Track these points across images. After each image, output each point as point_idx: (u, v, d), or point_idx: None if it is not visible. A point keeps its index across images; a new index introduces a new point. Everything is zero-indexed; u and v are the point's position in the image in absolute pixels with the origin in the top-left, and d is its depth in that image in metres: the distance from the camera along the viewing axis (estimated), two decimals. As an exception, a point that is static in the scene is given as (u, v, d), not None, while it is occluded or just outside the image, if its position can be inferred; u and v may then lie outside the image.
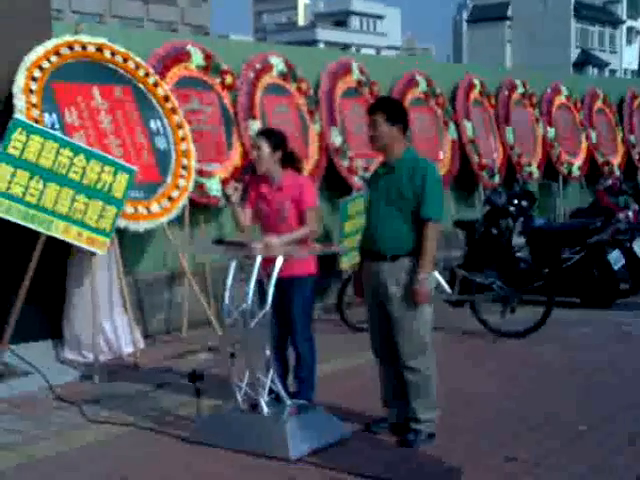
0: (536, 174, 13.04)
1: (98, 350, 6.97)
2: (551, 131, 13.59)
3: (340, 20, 78.76)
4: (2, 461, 5.07)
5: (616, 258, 9.63)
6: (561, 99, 14.08)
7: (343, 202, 9.49)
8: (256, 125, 9.07)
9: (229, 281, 5.35)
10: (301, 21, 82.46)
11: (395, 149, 5.25)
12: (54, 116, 7.21)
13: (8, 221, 6.63)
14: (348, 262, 9.23)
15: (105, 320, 7.26)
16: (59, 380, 6.72)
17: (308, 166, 9.32)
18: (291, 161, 5.75)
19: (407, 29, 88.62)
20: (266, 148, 5.62)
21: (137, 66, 7.96)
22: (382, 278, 5.20)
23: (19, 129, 6.63)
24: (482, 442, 5.35)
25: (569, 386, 6.61)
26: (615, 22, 68.31)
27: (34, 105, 7.02)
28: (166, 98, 8.14)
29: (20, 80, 7.02)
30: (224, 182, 8.61)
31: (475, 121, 12.22)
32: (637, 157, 15.24)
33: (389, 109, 5.28)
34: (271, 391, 5.30)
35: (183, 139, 8.14)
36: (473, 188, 12.12)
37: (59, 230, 6.79)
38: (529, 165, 12.92)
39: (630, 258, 9.79)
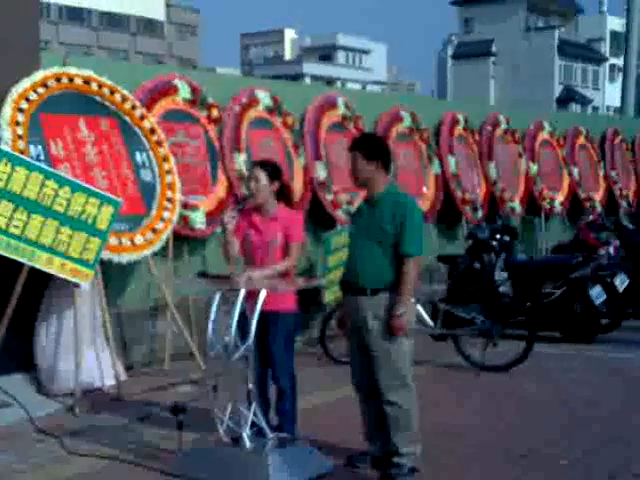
0: (518, 209, 13.14)
1: (80, 382, 6.94)
2: (534, 167, 13.71)
3: (326, 54, 79.39)
4: (-19, 494, 5.05)
5: (597, 293, 9.69)
6: (544, 135, 14.24)
7: (327, 236, 9.52)
8: (241, 159, 9.12)
9: (212, 314, 5.36)
10: (288, 55, 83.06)
11: (376, 185, 5.31)
12: (40, 148, 7.23)
13: (-9, 252, 6.62)
14: (332, 295, 9.24)
15: (87, 352, 7.23)
16: (39, 412, 6.68)
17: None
18: (284, 194, 5.79)
19: (392, 64, 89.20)
20: (264, 179, 5.65)
21: (124, 99, 8.01)
22: (362, 312, 5.23)
23: (4, 160, 6.63)
24: (465, 476, 5.37)
25: (551, 420, 6.63)
26: (598, 59, 69.10)
27: (20, 137, 7.04)
28: (152, 131, 8.18)
29: (7, 111, 7.05)
30: (209, 214, 8.65)
31: (459, 156, 12.33)
32: (618, 193, 15.39)
33: (367, 146, 5.35)
34: (253, 424, 5.30)
35: (168, 172, 8.17)
36: (456, 223, 12.20)
37: (42, 261, 6.78)
38: (512, 200, 13.02)
39: (611, 293, 9.85)
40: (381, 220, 5.22)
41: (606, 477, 5.36)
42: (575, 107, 61.65)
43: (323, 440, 5.82)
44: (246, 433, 5.22)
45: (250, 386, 5.27)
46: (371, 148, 5.34)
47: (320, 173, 10.11)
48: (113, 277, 7.87)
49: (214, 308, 5.37)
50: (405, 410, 5.24)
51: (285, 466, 5.14)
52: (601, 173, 15.24)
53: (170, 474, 5.31)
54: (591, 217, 12.34)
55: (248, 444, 5.21)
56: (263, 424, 5.32)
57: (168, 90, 8.70)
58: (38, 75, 7.39)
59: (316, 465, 5.35)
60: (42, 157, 7.19)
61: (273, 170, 5.72)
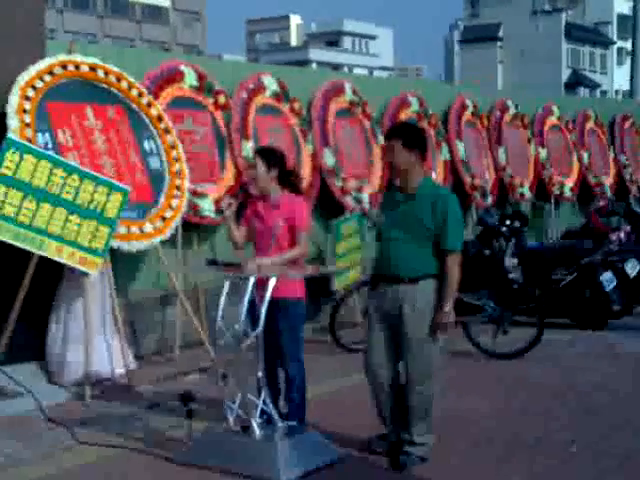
0: (528, 195, 13.09)
1: (89, 371, 6.94)
2: (543, 152, 13.64)
3: (332, 40, 79.17)
4: (-8, 483, 5.05)
5: (608, 279, 9.64)
6: (553, 120, 14.15)
7: (336, 223, 9.49)
8: (249, 145, 9.08)
9: (222, 302, 5.34)
10: (294, 41, 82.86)
11: (414, 175, 5.21)
12: (47, 136, 7.20)
13: (1, 241, 6.60)
14: (341, 283, 9.22)
15: (97, 341, 7.23)
16: (50, 401, 6.68)
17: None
18: (289, 180, 5.74)
19: (399, 49, 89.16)
20: (262, 166, 5.62)
21: (130, 86, 7.97)
22: (399, 300, 5.17)
23: (12, 149, 6.62)
24: (473, 462, 5.35)
25: (562, 406, 6.60)
26: (606, 43, 68.81)
27: (27, 125, 7.01)
28: (159, 118, 8.14)
29: (13, 100, 7.02)
30: (218, 201, 8.62)
31: (467, 142, 12.26)
32: (629, 178, 15.31)
33: (405, 135, 5.22)
34: (263, 412, 5.29)
35: (176, 159, 8.14)
36: (465, 209, 12.12)
37: (52, 250, 6.77)
38: (521, 186, 12.96)
39: (622, 279, 9.80)
40: (420, 214, 5.12)
41: (616, 463, 5.34)
42: (583, 91, 61.41)
43: (333, 428, 5.80)
44: (255, 421, 5.21)
45: (259, 374, 5.26)
46: (409, 136, 5.22)
47: (328, 160, 10.06)
48: (122, 266, 7.85)
49: (223, 296, 5.35)
50: (429, 401, 5.24)
51: (294, 454, 5.13)
52: (611, 158, 15.15)
53: (179, 462, 5.30)
54: (601, 202, 12.27)
55: (257, 432, 5.20)
56: (272, 412, 5.30)
57: (174, 77, 8.65)
58: (44, 63, 7.35)
59: (325, 454, 5.34)
60: (50, 145, 7.16)
61: (271, 157, 5.68)
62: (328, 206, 10.00)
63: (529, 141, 13.50)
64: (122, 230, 7.36)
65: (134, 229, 7.51)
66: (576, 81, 62.98)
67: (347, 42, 79.69)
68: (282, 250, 5.57)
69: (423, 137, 5.31)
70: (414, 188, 5.20)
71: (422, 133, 5.39)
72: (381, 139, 10.30)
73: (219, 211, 5.86)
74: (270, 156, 5.70)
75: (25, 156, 6.65)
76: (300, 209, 5.68)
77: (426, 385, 5.21)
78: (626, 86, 27.64)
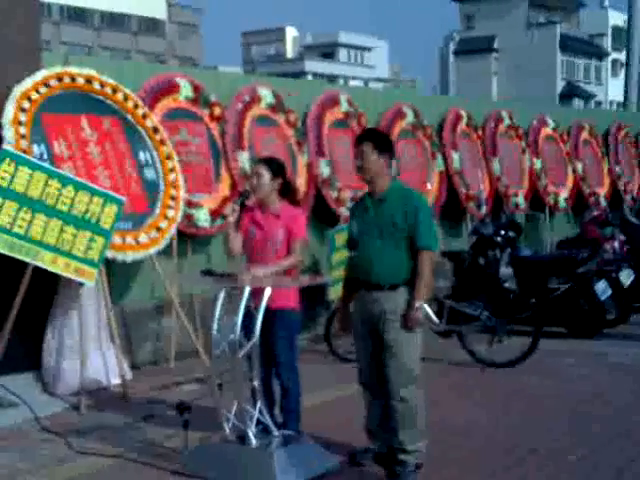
0: (523, 205, 13.12)
1: (85, 381, 6.94)
2: (538, 162, 13.68)
3: (328, 52, 79.35)
4: (-13, 494, 5.04)
5: (603, 289, 9.66)
6: (547, 131, 14.20)
7: (331, 233, 9.51)
8: (244, 156, 9.11)
9: (217, 312, 5.35)
10: (289, 53, 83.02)
11: (382, 179, 5.27)
12: (43, 147, 7.22)
13: (-4, 252, 6.61)
14: (336, 292, 9.22)
15: (92, 351, 7.23)
16: (45, 411, 6.68)
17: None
18: (288, 191, 5.76)
19: (394, 61, 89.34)
20: (266, 175, 5.64)
21: (126, 97, 8.00)
22: (379, 307, 5.17)
23: (7, 160, 6.64)
24: (470, 473, 5.34)
25: (557, 417, 6.60)
26: (600, 54, 69.02)
27: (23, 136, 7.03)
28: (155, 129, 8.17)
29: (9, 111, 7.05)
30: (213, 212, 8.64)
31: (462, 153, 12.30)
32: (623, 188, 15.35)
33: (377, 139, 5.31)
34: (259, 422, 5.29)
35: (172, 170, 8.16)
36: (460, 219, 12.17)
37: (47, 261, 6.78)
38: (516, 196, 13.00)
39: (616, 288, 9.82)
40: (392, 216, 5.15)
41: (613, 473, 5.34)
42: (578, 102, 61.56)
43: (327, 438, 5.80)
44: (251, 431, 5.22)
45: (255, 384, 5.26)
46: (380, 141, 5.31)
47: (323, 170, 10.09)
48: (118, 276, 7.86)
49: (219, 306, 5.36)
50: (413, 406, 5.20)
51: (291, 464, 5.13)
52: (605, 168, 15.20)
53: (176, 472, 5.30)
54: (596, 212, 12.31)
55: (254, 442, 5.20)
56: (268, 422, 5.31)
57: (170, 89, 8.69)
58: (40, 74, 7.38)
59: (322, 462, 5.34)
60: (45, 156, 7.19)
61: (276, 167, 5.71)
62: (323, 216, 10.02)
63: (524, 152, 13.53)
64: (117, 241, 7.37)
65: (129, 240, 7.52)
66: (571, 92, 63.12)
67: (343, 54, 79.87)
68: (279, 259, 5.59)
69: (392, 143, 5.45)
70: (384, 191, 5.25)
71: (389, 138, 5.53)
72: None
73: (222, 216, 5.81)
74: (275, 165, 5.72)
75: (20, 167, 6.66)
76: (299, 219, 5.71)
77: (408, 390, 5.15)
78: (620, 97, 27.74)
